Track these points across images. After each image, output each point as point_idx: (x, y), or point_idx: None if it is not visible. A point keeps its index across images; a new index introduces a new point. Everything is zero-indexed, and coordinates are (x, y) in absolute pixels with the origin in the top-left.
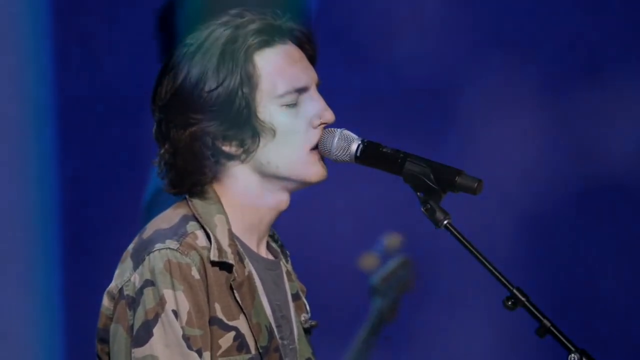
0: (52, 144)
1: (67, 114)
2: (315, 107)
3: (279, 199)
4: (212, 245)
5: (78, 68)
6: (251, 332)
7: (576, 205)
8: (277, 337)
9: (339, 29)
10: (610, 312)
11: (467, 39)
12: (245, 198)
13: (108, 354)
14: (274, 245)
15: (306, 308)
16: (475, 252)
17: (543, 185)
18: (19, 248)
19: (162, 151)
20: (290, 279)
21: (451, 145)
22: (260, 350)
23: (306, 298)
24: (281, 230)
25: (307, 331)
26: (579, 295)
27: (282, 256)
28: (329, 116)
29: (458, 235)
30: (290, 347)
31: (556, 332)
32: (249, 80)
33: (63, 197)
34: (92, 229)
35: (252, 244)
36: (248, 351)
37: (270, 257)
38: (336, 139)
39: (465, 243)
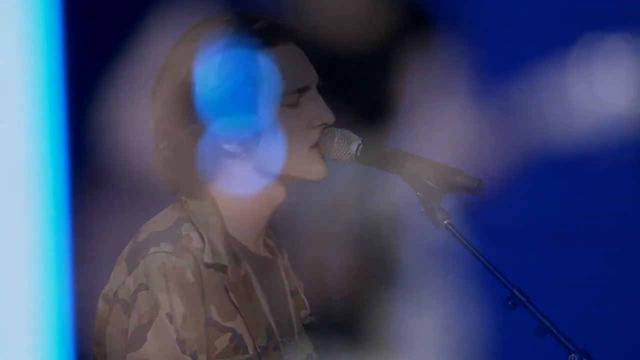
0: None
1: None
2: (316, 107)
3: (276, 193)
4: (206, 247)
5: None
6: (249, 332)
7: (516, 188)
8: (277, 335)
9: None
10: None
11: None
12: (243, 195)
13: (105, 356)
14: (270, 242)
15: (305, 304)
16: (476, 252)
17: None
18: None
19: (162, 147)
20: (288, 276)
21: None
22: (259, 350)
23: (304, 294)
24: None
25: (307, 327)
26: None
27: (279, 253)
28: (329, 117)
29: (458, 235)
30: (291, 344)
31: (556, 332)
32: (252, 80)
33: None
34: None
35: (249, 242)
36: (246, 351)
37: (268, 254)
38: (336, 138)
39: (466, 243)
